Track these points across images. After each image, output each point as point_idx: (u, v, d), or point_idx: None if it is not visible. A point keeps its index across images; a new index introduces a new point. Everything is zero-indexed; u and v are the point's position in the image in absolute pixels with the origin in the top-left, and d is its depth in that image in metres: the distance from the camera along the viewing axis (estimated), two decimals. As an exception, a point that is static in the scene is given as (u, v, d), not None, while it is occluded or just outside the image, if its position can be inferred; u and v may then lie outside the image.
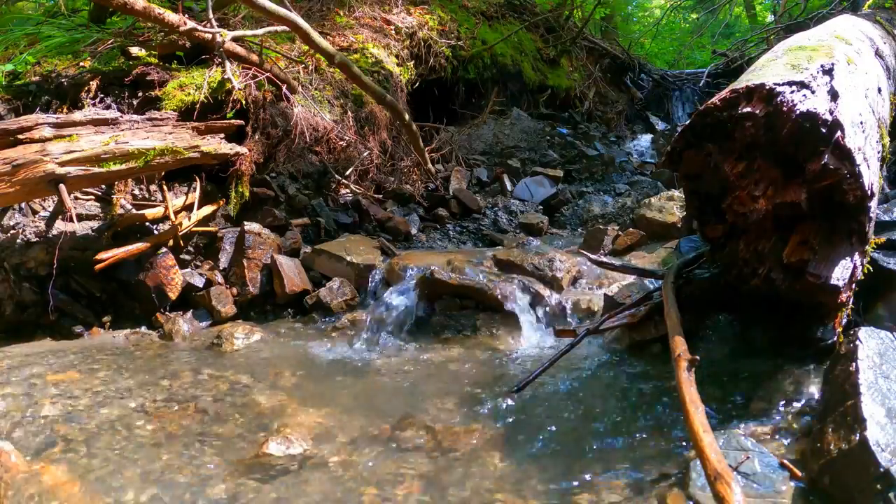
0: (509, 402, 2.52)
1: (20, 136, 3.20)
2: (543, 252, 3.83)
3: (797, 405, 2.15)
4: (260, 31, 4.56)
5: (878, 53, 3.27)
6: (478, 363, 3.08)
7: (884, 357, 1.93)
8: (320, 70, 5.19)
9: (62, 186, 3.17)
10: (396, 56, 6.18)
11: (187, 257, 4.09)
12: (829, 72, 2.22)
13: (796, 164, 2.09)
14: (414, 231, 5.00)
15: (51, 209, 4.01)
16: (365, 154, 5.21)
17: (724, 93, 2.19)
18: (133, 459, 2.22)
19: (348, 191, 5.07)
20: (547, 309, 3.45)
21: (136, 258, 3.82)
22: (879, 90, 2.76)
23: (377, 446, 2.27)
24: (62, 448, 2.30)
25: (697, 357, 2.03)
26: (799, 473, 1.80)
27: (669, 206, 4.33)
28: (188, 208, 4.12)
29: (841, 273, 2.10)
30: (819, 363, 2.30)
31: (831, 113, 2.02)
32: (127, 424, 2.50)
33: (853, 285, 2.21)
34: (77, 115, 3.45)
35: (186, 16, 4.19)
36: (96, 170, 3.33)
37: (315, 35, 4.45)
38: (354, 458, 2.20)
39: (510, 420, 2.40)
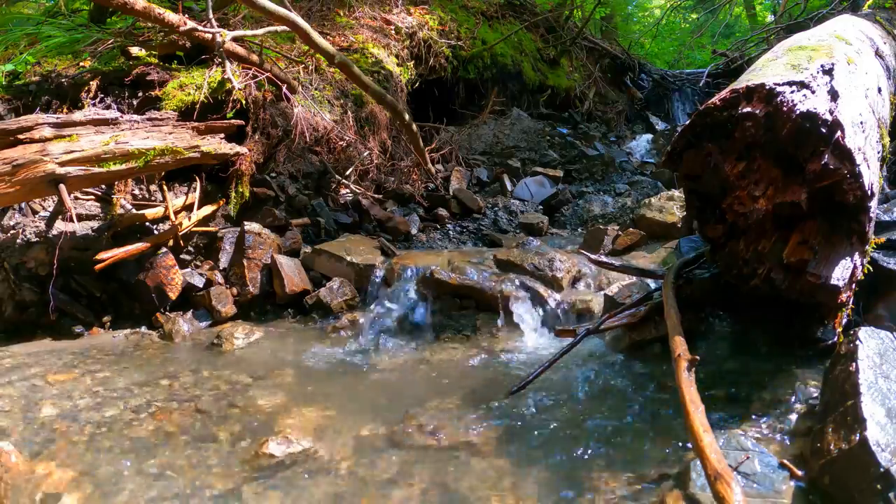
0: (509, 402, 2.52)
1: (20, 136, 3.20)
2: (543, 252, 3.83)
3: (797, 405, 2.14)
4: (260, 31, 4.56)
5: (878, 53, 3.27)
6: (477, 363, 3.08)
7: (884, 357, 1.93)
8: (320, 70, 5.19)
9: (62, 186, 3.17)
10: (396, 56, 6.18)
11: (187, 257, 4.09)
12: (829, 72, 2.22)
13: (796, 164, 2.09)
14: (414, 231, 5.00)
15: (51, 209, 4.01)
16: (365, 154, 5.21)
17: (724, 93, 2.19)
18: (133, 459, 2.22)
19: (348, 191, 5.07)
20: (547, 309, 3.45)
21: (136, 258, 3.82)
22: (879, 90, 2.76)
23: (377, 446, 2.27)
24: (62, 448, 2.30)
25: (697, 357, 2.03)
26: (799, 473, 1.80)
27: (669, 206, 4.33)
28: (188, 208, 4.13)
29: (841, 273, 2.10)
30: (819, 363, 2.30)
31: (831, 113, 2.02)
32: (127, 424, 2.50)
33: (853, 285, 2.21)
34: (77, 115, 3.45)
35: (186, 16, 4.20)
36: (96, 170, 3.33)
37: (315, 35, 4.45)
38: (354, 457, 2.20)
39: (510, 420, 2.40)
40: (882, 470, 1.56)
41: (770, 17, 14.24)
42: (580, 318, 3.39)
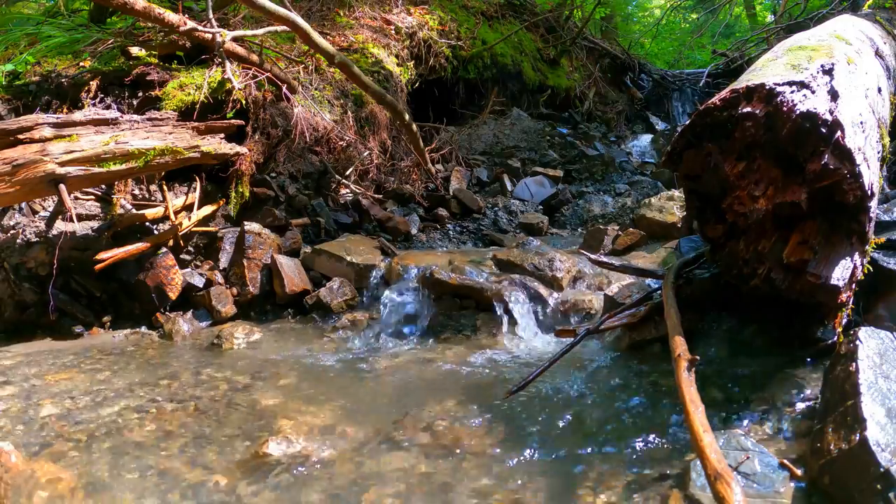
0: (509, 402, 2.52)
1: (20, 136, 3.20)
2: (543, 252, 3.83)
3: (797, 405, 2.14)
4: (260, 31, 4.56)
5: (878, 53, 3.27)
6: (477, 363, 3.08)
7: (884, 357, 1.93)
8: (320, 70, 5.19)
9: (62, 186, 3.17)
10: (396, 56, 6.18)
11: (187, 257, 4.09)
12: (829, 72, 2.22)
13: (796, 164, 2.09)
14: (414, 231, 5.00)
15: (51, 209, 4.01)
16: (365, 154, 5.21)
17: (724, 93, 2.19)
18: (133, 459, 2.22)
19: (348, 191, 5.07)
20: (547, 309, 3.45)
21: (136, 258, 3.83)
22: (879, 90, 2.76)
23: (377, 446, 2.27)
24: (62, 448, 2.30)
25: (697, 357, 2.03)
26: (799, 473, 1.80)
27: (669, 206, 4.33)
28: (188, 208, 4.13)
29: (841, 273, 2.10)
30: (819, 363, 2.30)
31: (831, 113, 2.02)
32: (127, 424, 2.50)
33: (853, 285, 2.21)
34: (77, 115, 3.45)
35: (186, 16, 4.20)
36: (96, 170, 3.33)
37: (315, 35, 4.45)
38: (354, 457, 2.20)
39: (510, 420, 2.40)
40: (882, 470, 1.56)
41: (770, 17, 14.25)
42: (580, 318, 3.39)
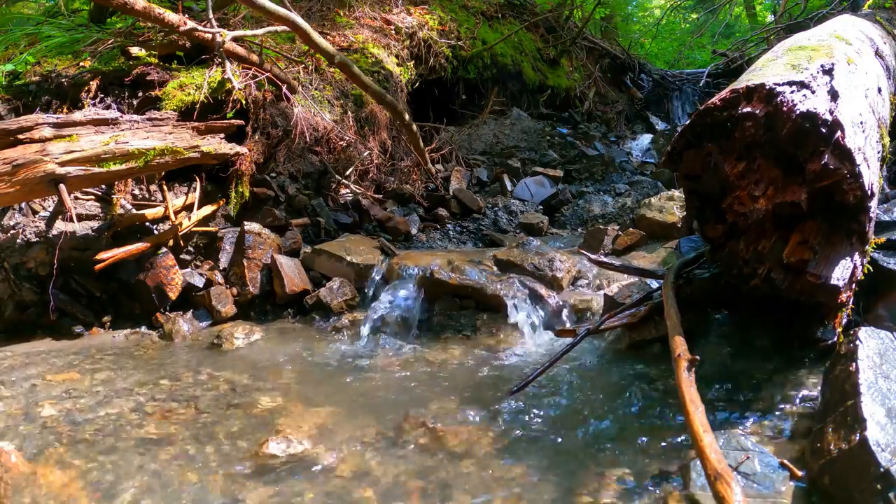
0: (509, 402, 2.52)
1: (20, 136, 3.20)
2: (543, 252, 3.83)
3: (797, 405, 2.15)
4: (260, 31, 4.56)
5: (878, 53, 3.27)
6: (478, 363, 3.08)
7: (884, 357, 1.93)
8: (320, 70, 5.19)
9: (62, 186, 3.17)
10: (396, 56, 6.18)
11: (187, 257, 4.09)
12: (829, 72, 2.22)
13: (796, 163, 2.09)
14: (414, 231, 5.00)
15: (51, 209, 4.01)
16: (365, 154, 5.21)
17: (724, 93, 2.19)
18: (133, 459, 2.22)
19: (348, 191, 5.07)
20: (547, 309, 3.45)
21: (136, 258, 3.83)
22: (879, 90, 2.76)
23: (377, 446, 2.27)
24: (62, 448, 2.30)
25: (697, 357, 2.03)
26: (799, 473, 1.80)
27: (669, 206, 4.33)
28: (188, 208, 4.13)
29: (841, 273, 2.10)
30: (819, 363, 2.30)
31: (831, 113, 2.02)
32: (127, 424, 2.50)
33: (853, 285, 2.21)
34: (77, 115, 3.45)
35: (186, 16, 4.20)
36: (96, 170, 3.33)
37: (315, 35, 4.45)
38: (354, 457, 2.20)
39: (510, 420, 2.40)
40: (882, 470, 1.56)
41: (770, 17, 14.25)
42: (580, 318, 3.39)
